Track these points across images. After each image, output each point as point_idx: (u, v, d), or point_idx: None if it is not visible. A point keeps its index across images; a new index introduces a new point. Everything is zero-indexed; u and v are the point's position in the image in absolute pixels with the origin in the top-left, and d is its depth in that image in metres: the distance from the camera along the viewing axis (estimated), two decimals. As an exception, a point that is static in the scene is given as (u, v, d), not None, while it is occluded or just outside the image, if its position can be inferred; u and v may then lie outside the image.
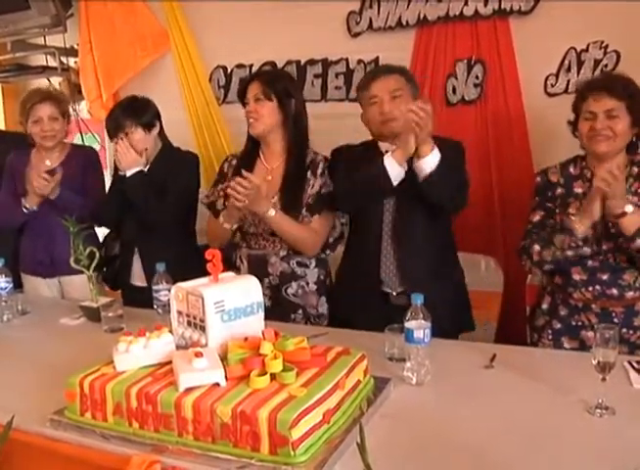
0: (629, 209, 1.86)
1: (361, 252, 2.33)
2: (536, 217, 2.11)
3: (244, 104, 2.37)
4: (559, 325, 2.09)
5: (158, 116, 2.67)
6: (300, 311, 2.35)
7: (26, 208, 2.73)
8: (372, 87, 2.23)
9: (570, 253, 1.95)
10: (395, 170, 2.09)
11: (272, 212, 2.20)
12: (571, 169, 2.09)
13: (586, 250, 1.97)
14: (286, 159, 2.35)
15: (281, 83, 2.37)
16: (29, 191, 2.69)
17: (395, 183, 2.11)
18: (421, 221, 2.21)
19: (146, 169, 2.63)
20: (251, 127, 2.34)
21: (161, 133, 2.68)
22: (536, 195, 2.15)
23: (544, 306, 2.15)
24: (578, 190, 2.05)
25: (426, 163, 2.03)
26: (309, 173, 2.32)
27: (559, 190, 2.09)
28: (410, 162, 2.10)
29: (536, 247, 2.02)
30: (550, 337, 2.10)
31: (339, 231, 2.39)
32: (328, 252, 2.40)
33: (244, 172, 2.16)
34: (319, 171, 2.32)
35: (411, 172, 2.11)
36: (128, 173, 2.52)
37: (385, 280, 2.24)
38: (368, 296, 2.26)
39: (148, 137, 2.61)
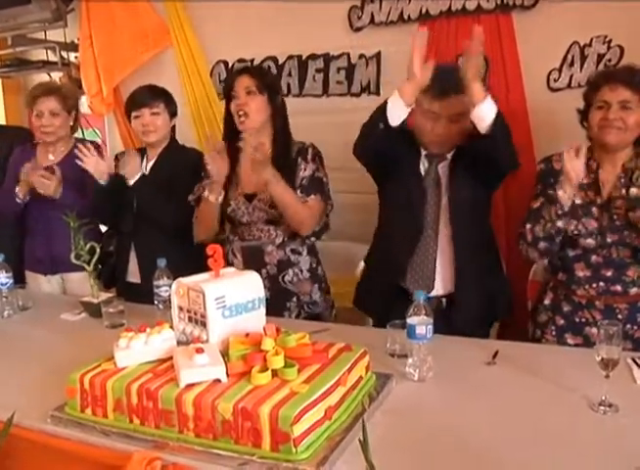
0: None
1: (391, 242, 2.27)
2: (537, 204, 2.08)
3: (230, 97, 2.33)
4: (562, 321, 2.08)
5: (177, 110, 2.72)
6: (295, 299, 2.36)
7: (19, 198, 2.71)
8: (437, 104, 2.09)
9: (560, 223, 1.93)
10: (396, 106, 1.96)
11: (276, 179, 2.19)
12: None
13: (590, 242, 1.95)
14: (272, 148, 2.33)
15: (270, 78, 2.42)
16: (21, 181, 2.68)
17: (394, 123, 1.97)
18: (467, 208, 2.14)
19: (151, 164, 2.64)
20: (241, 124, 2.29)
21: (173, 129, 2.70)
22: (538, 182, 2.13)
23: (546, 302, 2.14)
24: (582, 180, 2.02)
25: (483, 110, 1.90)
26: (300, 159, 2.32)
27: (562, 178, 2.07)
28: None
29: (528, 225, 2.02)
30: (553, 333, 2.09)
31: (324, 222, 2.38)
32: (313, 239, 2.40)
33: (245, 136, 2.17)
34: (309, 157, 2.33)
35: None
36: (131, 181, 2.51)
37: (409, 282, 2.19)
38: (392, 294, 2.22)
39: (168, 125, 2.64)
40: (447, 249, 2.18)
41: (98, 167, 2.51)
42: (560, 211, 1.92)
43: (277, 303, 2.26)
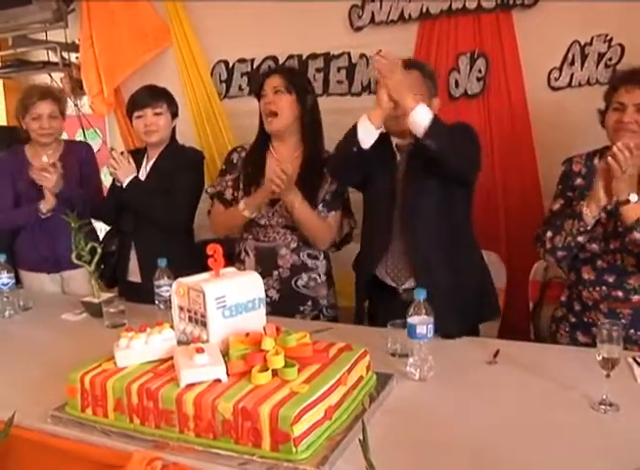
0: (634, 198, 1.81)
1: (368, 241, 2.27)
2: (556, 206, 2.07)
3: (259, 97, 2.35)
4: (574, 319, 2.07)
5: (177, 111, 2.72)
6: (310, 303, 2.36)
7: (43, 213, 2.72)
8: None
9: (580, 238, 1.92)
10: (366, 131, 1.99)
11: (299, 203, 2.20)
12: (596, 161, 2.02)
13: (594, 247, 1.95)
14: (301, 153, 2.35)
15: (300, 78, 2.42)
16: (46, 194, 2.69)
17: (365, 146, 2.00)
18: (432, 201, 2.09)
19: (152, 163, 2.64)
20: (269, 125, 2.30)
21: (173, 129, 2.70)
22: (559, 183, 2.10)
23: (563, 299, 2.13)
24: None
25: (416, 116, 1.90)
26: (325, 169, 2.31)
27: (579, 180, 2.04)
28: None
29: (549, 233, 1.99)
30: (567, 329, 2.08)
31: (346, 231, 2.39)
32: (333, 250, 2.41)
33: (282, 165, 2.14)
34: None
35: (416, 150, 2.05)
36: (125, 183, 2.50)
37: (387, 274, 2.19)
38: (374, 290, 2.23)
39: (170, 125, 2.64)
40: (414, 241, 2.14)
41: (122, 166, 2.52)
42: (582, 229, 1.90)
43: (288, 305, 2.27)
